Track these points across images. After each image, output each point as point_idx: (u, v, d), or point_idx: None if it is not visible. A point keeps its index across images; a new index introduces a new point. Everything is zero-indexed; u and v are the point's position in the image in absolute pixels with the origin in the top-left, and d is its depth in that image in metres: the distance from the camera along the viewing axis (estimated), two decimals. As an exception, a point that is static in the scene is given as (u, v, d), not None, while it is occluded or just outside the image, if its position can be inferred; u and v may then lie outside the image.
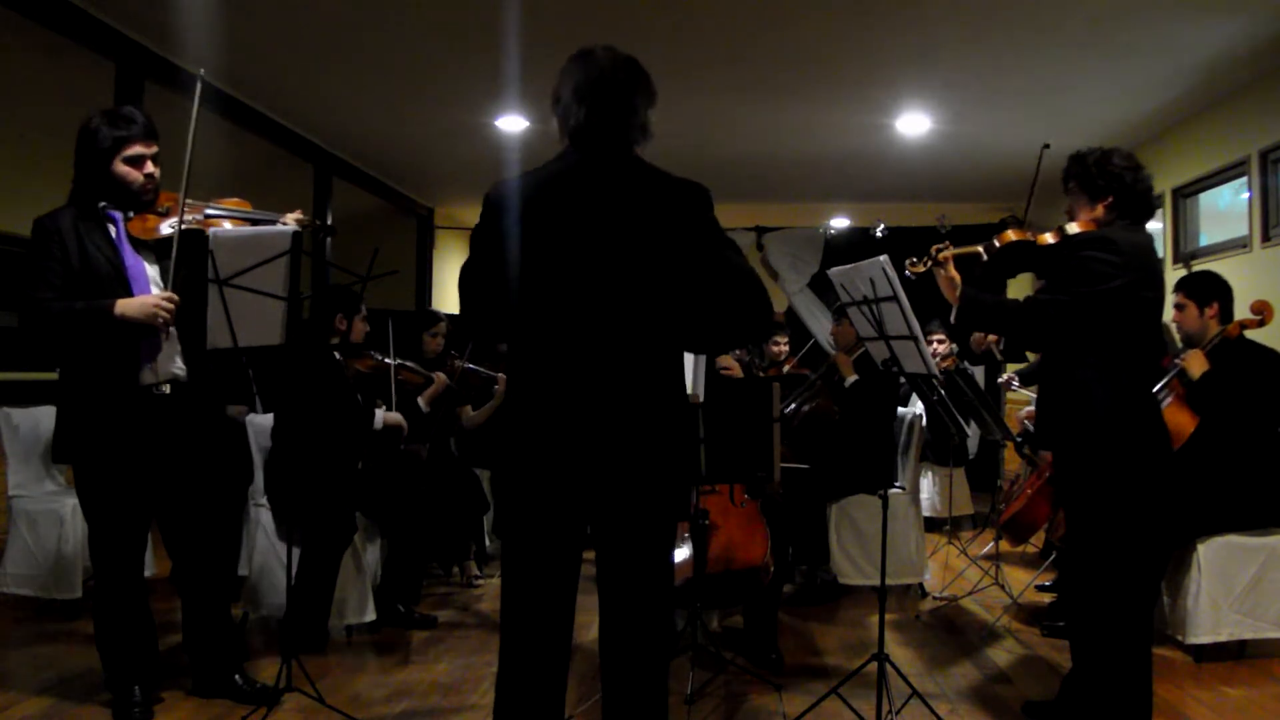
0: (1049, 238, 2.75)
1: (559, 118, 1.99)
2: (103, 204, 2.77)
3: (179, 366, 2.82)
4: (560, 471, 1.91)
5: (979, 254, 2.78)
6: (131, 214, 2.79)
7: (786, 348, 6.14)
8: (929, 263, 2.77)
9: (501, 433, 1.99)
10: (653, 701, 2.01)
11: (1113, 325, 2.61)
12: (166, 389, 2.80)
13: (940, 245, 2.78)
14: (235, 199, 2.91)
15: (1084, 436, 2.63)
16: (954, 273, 2.73)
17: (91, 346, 2.71)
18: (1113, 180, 2.70)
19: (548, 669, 1.98)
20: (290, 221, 2.86)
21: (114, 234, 2.77)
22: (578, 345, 1.90)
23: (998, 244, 2.77)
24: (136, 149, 2.74)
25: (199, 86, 2.74)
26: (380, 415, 3.92)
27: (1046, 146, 3.09)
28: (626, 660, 2.00)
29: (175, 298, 2.68)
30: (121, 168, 2.73)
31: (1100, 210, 2.71)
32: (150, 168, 2.77)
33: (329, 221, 6.93)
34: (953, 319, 2.78)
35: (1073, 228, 2.74)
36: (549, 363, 1.92)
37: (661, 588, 2.01)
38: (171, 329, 2.75)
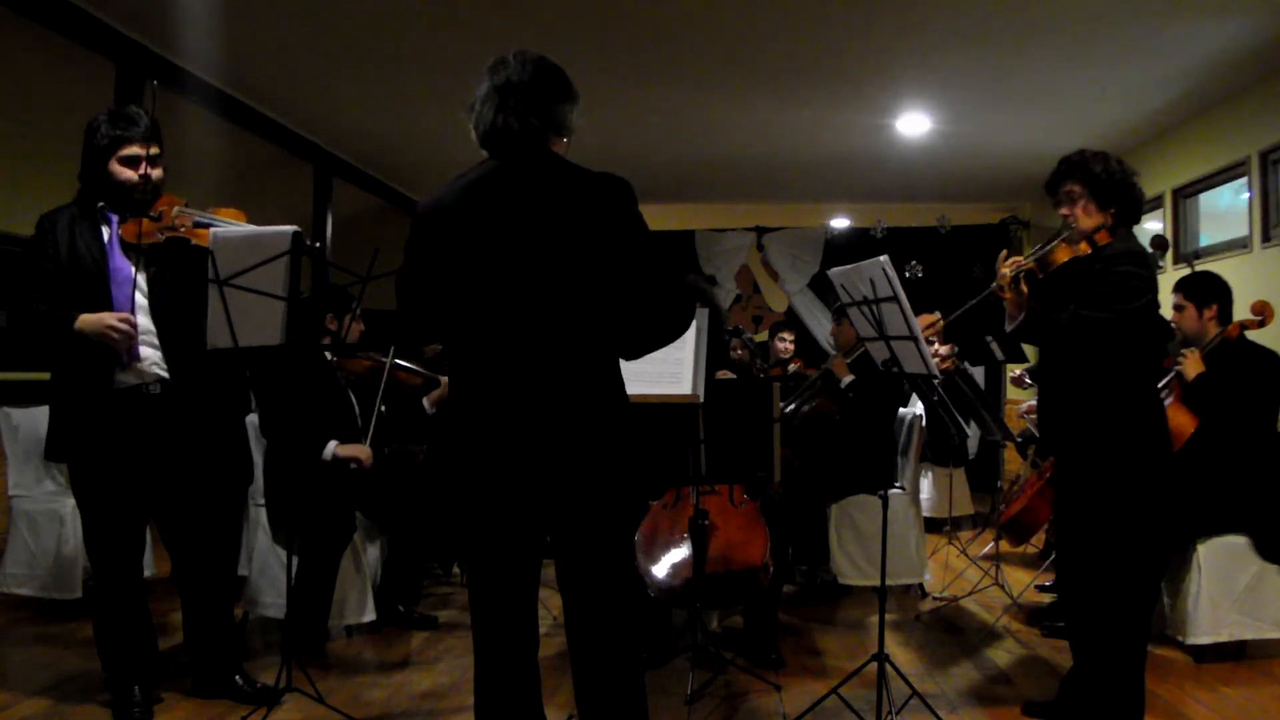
0: (1085, 248, 2.72)
1: (472, 126, 2.00)
2: (101, 204, 2.80)
3: (162, 368, 2.82)
4: (505, 480, 1.92)
5: (1034, 270, 2.73)
6: (127, 216, 2.81)
7: (793, 346, 6.09)
8: (1010, 284, 2.69)
9: (447, 444, 2.00)
10: (625, 702, 2.00)
11: (1140, 340, 2.66)
12: (156, 389, 2.81)
13: (1016, 259, 2.72)
14: (231, 210, 2.91)
15: (1110, 447, 2.64)
16: (1024, 286, 2.69)
17: (70, 349, 2.74)
18: (1123, 190, 2.71)
19: (518, 672, 2.02)
20: None
21: (106, 235, 2.80)
22: (507, 351, 1.91)
23: (1052, 263, 2.73)
24: (133, 149, 2.78)
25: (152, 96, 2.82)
26: (331, 447, 3.66)
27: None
28: (592, 663, 2.01)
29: (131, 319, 2.71)
30: (116, 167, 2.77)
31: (1108, 217, 2.72)
32: (145, 169, 2.79)
33: (328, 229, 6.93)
34: (1010, 329, 2.73)
35: (1099, 239, 2.71)
36: (489, 371, 1.93)
37: (619, 587, 2.01)
38: (140, 335, 2.77)
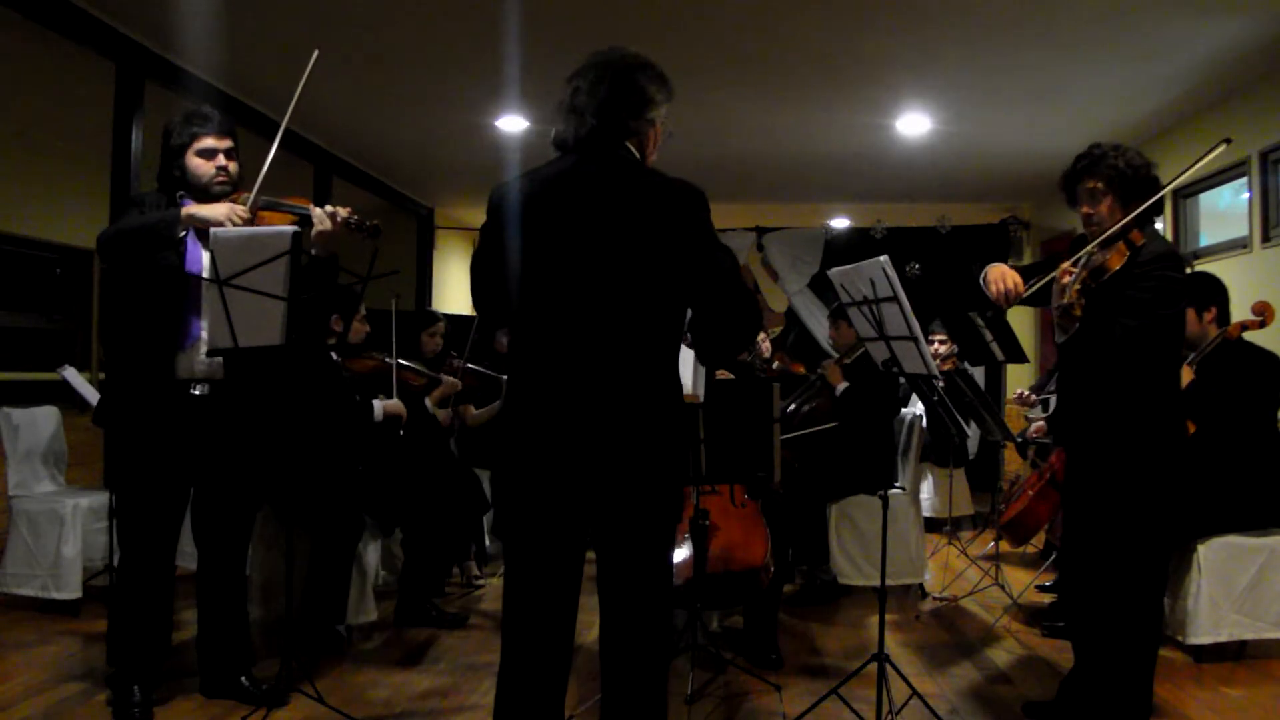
0: (1123, 248, 2.61)
1: (561, 121, 2.01)
2: (180, 193, 2.90)
3: (216, 364, 2.86)
4: (556, 473, 1.92)
5: (1088, 281, 2.61)
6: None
7: (770, 344, 6.20)
8: (1079, 296, 2.55)
9: (500, 433, 2.00)
10: (652, 702, 2.01)
11: (1170, 343, 2.64)
12: (204, 389, 2.85)
13: (1070, 269, 2.58)
14: (300, 197, 2.99)
15: (1132, 447, 2.63)
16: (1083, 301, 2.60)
17: (132, 325, 2.81)
18: (1146, 185, 2.65)
19: (548, 670, 1.99)
20: (323, 213, 2.87)
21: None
22: (571, 347, 1.91)
23: (1107, 270, 2.59)
24: (208, 142, 2.89)
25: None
26: (379, 406, 3.87)
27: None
28: (625, 661, 2.00)
29: (247, 213, 2.78)
30: (194, 160, 2.88)
31: (1127, 216, 2.64)
32: (222, 161, 2.89)
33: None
34: (1061, 341, 2.65)
35: (1134, 238, 2.62)
36: (544, 365, 1.94)
37: (660, 589, 2.01)
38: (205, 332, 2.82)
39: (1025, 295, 2.70)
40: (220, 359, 2.84)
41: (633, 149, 2.00)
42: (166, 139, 2.89)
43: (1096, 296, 2.61)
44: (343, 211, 2.90)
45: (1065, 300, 2.56)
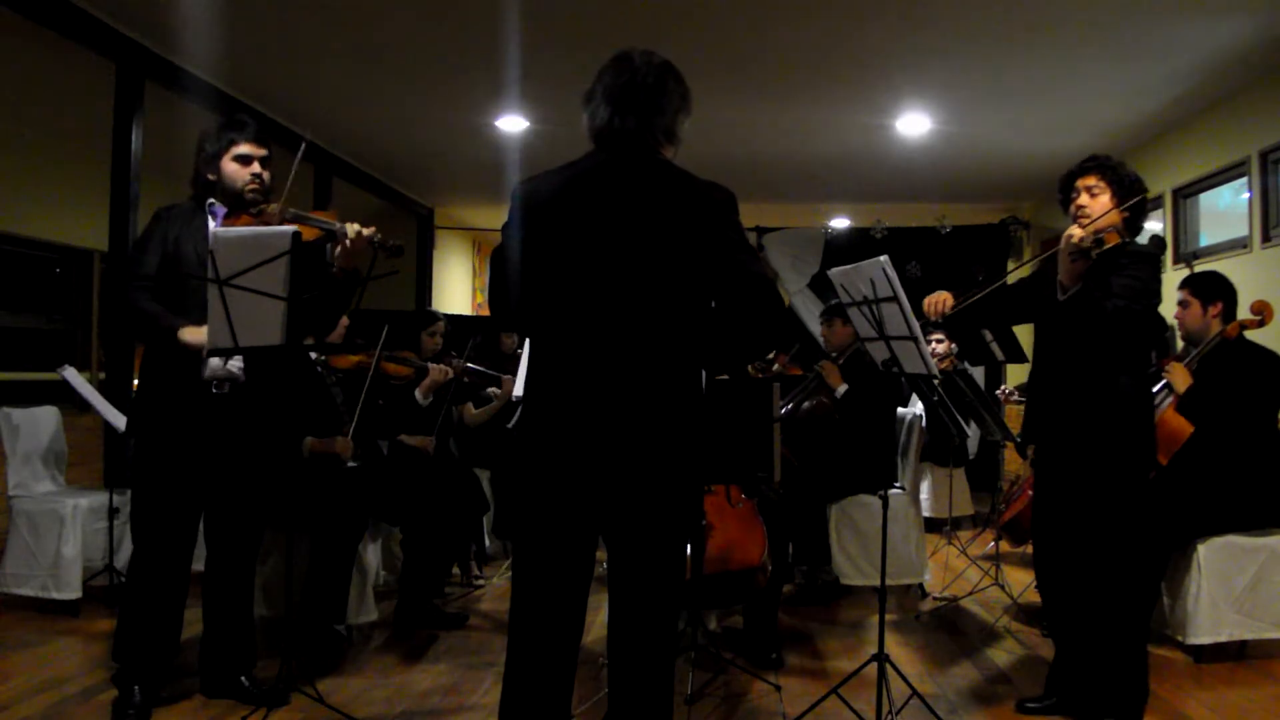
0: (1116, 239, 2.77)
1: (587, 116, 2.00)
2: (210, 201, 2.93)
3: (235, 366, 2.88)
4: (574, 472, 1.91)
5: (1090, 252, 2.70)
6: (227, 211, 2.92)
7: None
8: (1094, 245, 2.65)
9: (518, 431, 2.00)
10: (659, 702, 2.01)
11: (1146, 339, 2.80)
12: (225, 389, 2.87)
13: (1093, 232, 2.69)
14: (328, 212, 2.98)
15: (1123, 442, 2.72)
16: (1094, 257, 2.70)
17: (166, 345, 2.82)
18: (1140, 201, 2.82)
19: (556, 669, 1.99)
20: (351, 229, 2.85)
21: (211, 227, 2.89)
22: (591, 346, 1.91)
23: (1104, 243, 2.73)
24: (245, 149, 2.91)
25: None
26: (308, 443, 3.66)
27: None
28: (634, 662, 2.00)
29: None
30: (229, 165, 2.91)
31: (1121, 221, 2.81)
32: (257, 168, 2.92)
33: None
34: (1062, 298, 2.71)
35: (1114, 235, 2.77)
36: (564, 363, 1.94)
37: (672, 590, 2.01)
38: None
39: (952, 311, 2.95)
40: (240, 359, 2.85)
41: (663, 151, 2.01)
42: (202, 144, 2.92)
43: (1093, 267, 2.72)
44: (368, 231, 2.90)
45: (1083, 245, 2.66)
